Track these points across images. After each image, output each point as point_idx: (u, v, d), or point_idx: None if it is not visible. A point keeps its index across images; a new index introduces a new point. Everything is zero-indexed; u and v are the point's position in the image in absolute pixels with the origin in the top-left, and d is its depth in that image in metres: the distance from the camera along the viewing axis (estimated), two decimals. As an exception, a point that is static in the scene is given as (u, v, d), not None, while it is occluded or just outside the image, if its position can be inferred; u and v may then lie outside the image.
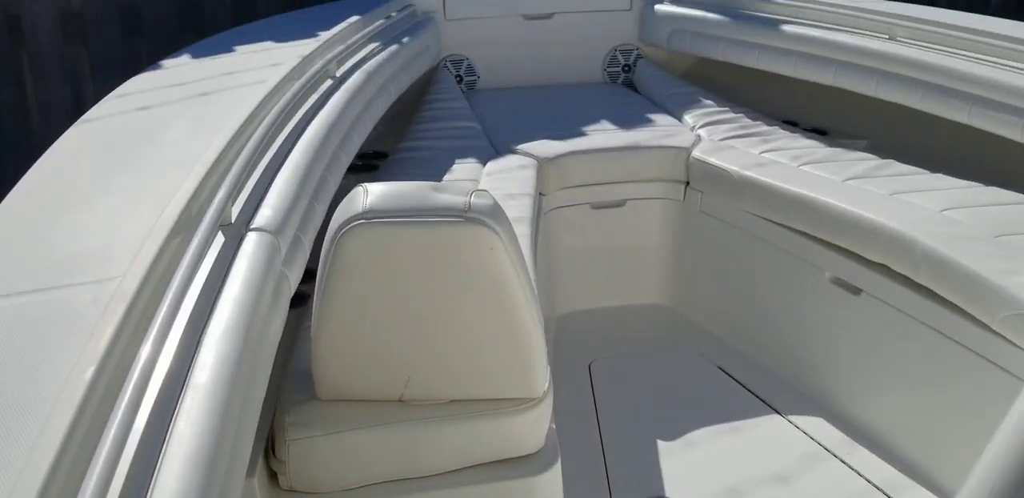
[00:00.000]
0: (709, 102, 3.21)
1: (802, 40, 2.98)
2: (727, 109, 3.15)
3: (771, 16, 3.14)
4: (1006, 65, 2.44)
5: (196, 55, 2.60)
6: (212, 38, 2.88)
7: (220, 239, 1.42)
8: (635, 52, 3.64)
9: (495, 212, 1.34)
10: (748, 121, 3.06)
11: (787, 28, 3.04)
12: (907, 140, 2.96)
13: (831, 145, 2.83)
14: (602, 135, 2.92)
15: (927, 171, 2.57)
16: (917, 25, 2.71)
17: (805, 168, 2.63)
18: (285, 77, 2.18)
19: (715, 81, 3.55)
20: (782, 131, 2.97)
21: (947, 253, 2.04)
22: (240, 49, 2.64)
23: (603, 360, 2.70)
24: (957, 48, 2.61)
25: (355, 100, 2.33)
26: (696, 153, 2.81)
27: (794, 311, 2.55)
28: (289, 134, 1.93)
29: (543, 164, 2.73)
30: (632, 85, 3.64)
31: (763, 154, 2.76)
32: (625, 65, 3.65)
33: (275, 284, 1.43)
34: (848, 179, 2.52)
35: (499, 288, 1.36)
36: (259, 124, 1.84)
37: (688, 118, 3.11)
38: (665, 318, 2.96)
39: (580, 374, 2.63)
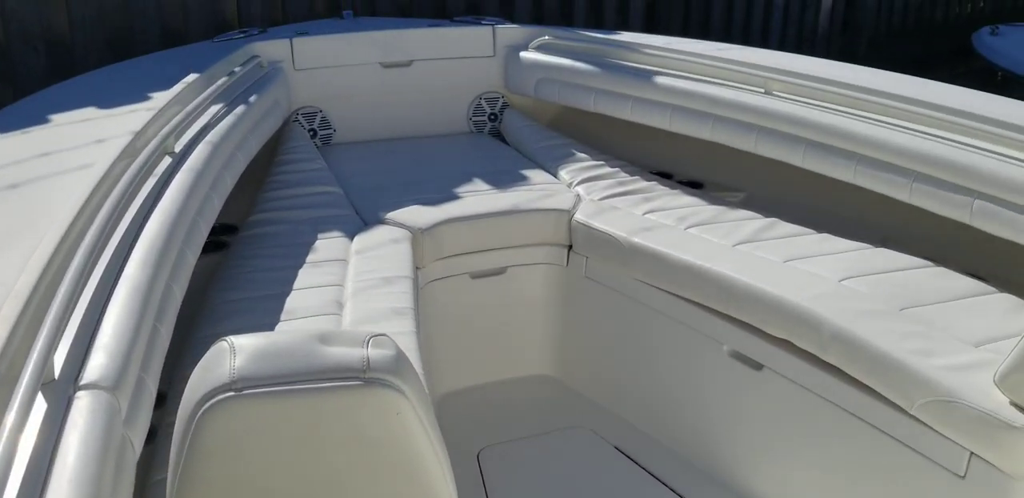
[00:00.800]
0: (582, 155, 3.06)
1: (676, 92, 2.87)
2: (602, 162, 3.01)
3: (642, 66, 3.02)
4: (888, 123, 2.40)
5: (1, 127, 2.22)
6: (21, 102, 2.48)
7: (41, 405, 1.12)
8: (501, 100, 3.46)
9: (400, 366, 1.09)
10: (625, 176, 2.92)
11: (660, 80, 2.92)
12: (785, 193, 2.90)
13: (711, 201, 2.73)
14: (476, 198, 2.71)
15: (812, 231, 2.50)
16: (791, 79, 2.65)
17: (692, 231, 2.51)
18: (116, 160, 1.85)
19: (584, 129, 3.41)
20: (660, 187, 2.85)
21: (856, 332, 1.94)
22: (57, 118, 2.28)
23: (493, 448, 2.48)
24: (835, 104, 2.55)
25: (200, 181, 2.02)
26: (579, 216, 2.64)
27: (692, 385, 2.41)
28: (123, 239, 1.61)
29: (417, 235, 2.50)
30: (499, 134, 3.45)
31: (647, 215, 2.63)
32: (491, 114, 3.46)
33: (117, 454, 1.14)
34: (738, 244, 2.41)
35: (408, 458, 1.11)
36: (85, 232, 1.53)
37: (563, 174, 2.94)
38: (554, 391, 2.78)
39: (469, 466, 2.40)
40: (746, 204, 2.78)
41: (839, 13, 7.06)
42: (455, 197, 2.71)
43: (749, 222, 2.54)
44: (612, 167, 2.98)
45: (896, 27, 7.75)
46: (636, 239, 2.46)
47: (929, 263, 2.26)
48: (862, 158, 2.41)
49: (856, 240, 2.43)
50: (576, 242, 2.66)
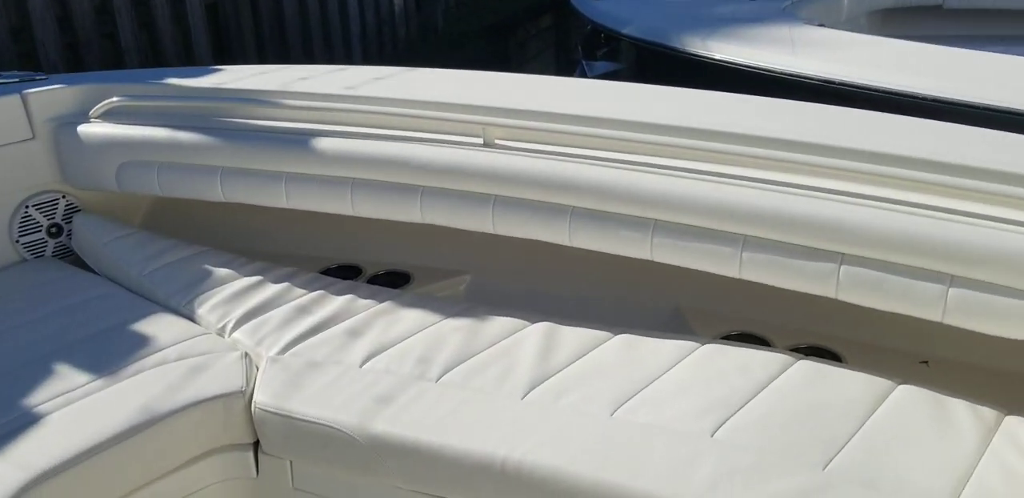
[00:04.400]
0: (224, 271, 2.02)
1: (355, 160, 1.93)
2: (258, 277, 1.99)
3: (288, 125, 2.02)
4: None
5: None
6: None
7: None
8: (63, 202, 2.26)
9: None
10: (301, 292, 1.95)
11: (323, 143, 1.95)
12: (527, 268, 2.13)
13: (441, 311, 1.87)
14: (77, 412, 1.59)
15: (605, 331, 1.76)
16: (520, 122, 1.83)
17: (448, 380, 1.65)
18: None
19: (206, 224, 2.36)
20: (360, 300, 1.92)
21: None
22: None
23: None
24: (616, 150, 1.79)
25: None
26: (261, 398, 1.64)
27: None
28: None
29: None
30: (73, 255, 2.27)
31: (368, 365, 1.71)
32: (52, 226, 2.26)
33: None
34: (528, 392, 1.60)
35: None
36: None
37: (205, 312, 1.89)
38: None
39: None
40: (482, 297, 1.98)
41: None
42: (34, 416, 1.57)
43: (517, 341, 1.73)
44: (276, 282, 1.98)
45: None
46: (379, 427, 1.54)
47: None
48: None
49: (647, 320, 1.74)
50: (266, 438, 1.67)
